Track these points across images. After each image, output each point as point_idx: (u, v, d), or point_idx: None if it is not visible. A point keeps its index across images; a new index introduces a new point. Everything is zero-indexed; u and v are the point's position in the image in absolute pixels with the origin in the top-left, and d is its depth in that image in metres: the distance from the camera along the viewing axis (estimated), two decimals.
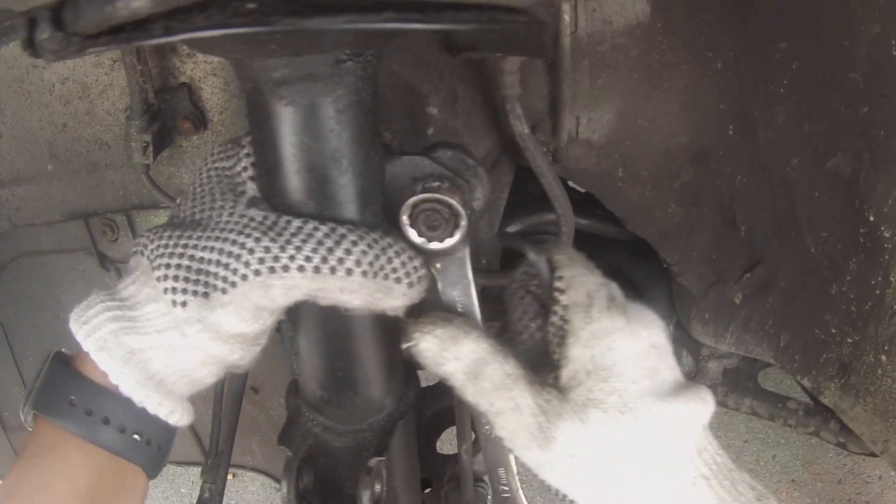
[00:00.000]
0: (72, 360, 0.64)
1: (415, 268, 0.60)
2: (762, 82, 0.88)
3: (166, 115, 0.86)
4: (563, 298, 0.61)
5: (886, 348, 0.89)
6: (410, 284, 0.60)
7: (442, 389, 0.94)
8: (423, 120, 0.79)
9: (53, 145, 0.97)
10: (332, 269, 0.56)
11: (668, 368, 0.60)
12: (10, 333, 1.16)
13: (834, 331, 0.96)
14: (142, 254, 0.62)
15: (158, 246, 0.60)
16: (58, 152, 0.97)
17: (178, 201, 0.67)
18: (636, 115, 0.88)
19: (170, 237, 0.60)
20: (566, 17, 0.78)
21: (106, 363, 0.59)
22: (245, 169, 0.64)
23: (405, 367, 0.77)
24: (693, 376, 1.17)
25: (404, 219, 0.60)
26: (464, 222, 0.59)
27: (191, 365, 0.62)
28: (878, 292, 0.87)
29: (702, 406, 0.59)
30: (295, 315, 0.67)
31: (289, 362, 0.76)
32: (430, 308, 0.63)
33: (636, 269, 1.11)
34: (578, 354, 0.58)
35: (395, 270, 0.59)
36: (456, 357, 0.58)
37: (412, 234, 0.61)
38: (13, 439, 1.25)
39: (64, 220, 0.99)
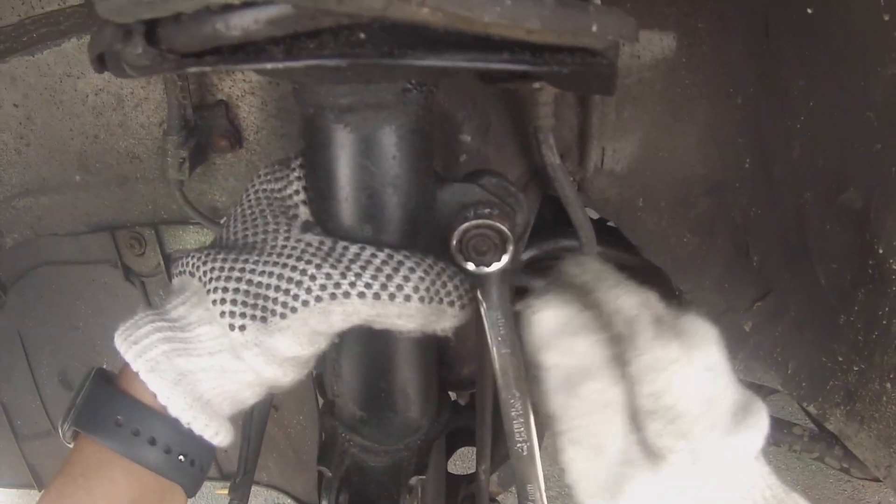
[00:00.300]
0: (115, 378, 0.64)
1: (466, 290, 0.62)
2: (780, 118, 0.91)
3: (202, 131, 0.87)
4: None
5: (892, 376, 0.92)
6: (462, 307, 0.62)
7: (456, 410, 0.95)
8: (456, 147, 0.81)
9: (83, 156, 0.98)
10: (392, 296, 0.58)
11: (725, 389, 0.57)
12: (26, 341, 1.16)
13: (841, 359, 0.98)
14: (191, 275, 0.63)
15: (213, 269, 0.61)
16: (87, 163, 0.98)
17: (223, 221, 0.68)
18: (657, 146, 0.90)
19: (224, 260, 0.61)
20: None
21: (156, 384, 0.59)
22: (297, 192, 0.65)
23: (439, 387, 0.79)
24: None
25: (455, 244, 0.62)
26: (511, 247, 0.61)
27: (239, 387, 0.63)
28: (884, 322, 0.89)
29: (758, 432, 0.57)
30: (339, 337, 0.68)
31: (325, 384, 0.77)
32: (470, 330, 0.64)
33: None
34: (637, 393, 0.54)
35: (448, 294, 0.61)
36: (567, 351, 0.56)
37: (462, 259, 0.62)
38: (25, 448, 1.24)
39: (90, 232, 1.00)
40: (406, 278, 0.58)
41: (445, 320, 0.62)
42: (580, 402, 0.55)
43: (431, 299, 0.59)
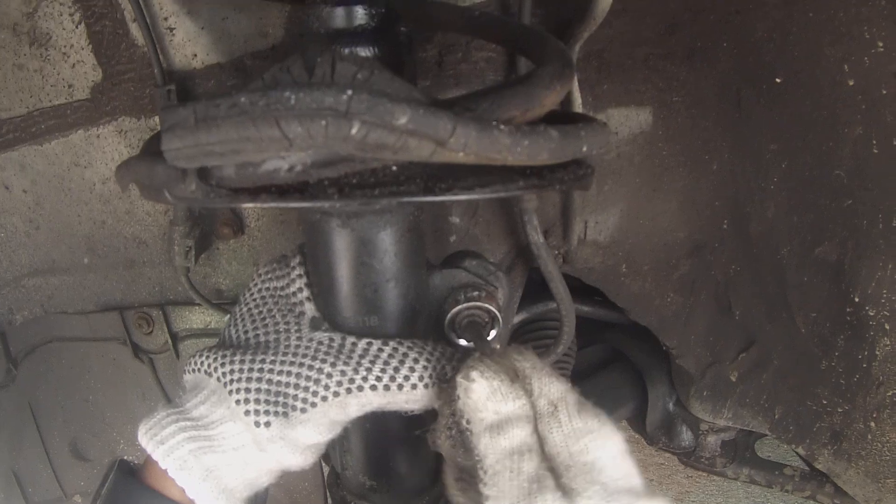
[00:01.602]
0: (139, 471, 0.67)
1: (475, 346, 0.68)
2: (754, 180, 0.96)
3: (206, 220, 0.91)
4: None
5: (875, 416, 0.96)
6: None
7: None
8: (446, 228, 0.86)
9: (91, 240, 1.02)
10: (400, 386, 0.63)
11: (636, 475, 0.61)
12: (37, 413, 1.19)
13: (825, 402, 1.02)
14: (208, 374, 0.66)
15: (233, 370, 0.65)
16: (95, 247, 1.02)
17: (227, 319, 0.72)
18: (638, 215, 0.95)
19: (242, 361, 0.65)
20: None
21: (186, 481, 0.63)
22: (301, 290, 0.70)
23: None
24: (693, 450, 1.23)
25: (448, 325, 0.68)
26: (500, 324, 0.67)
27: (259, 474, 0.67)
28: (864, 365, 0.94)
29: None
30: None
31: (332, 458, 0.81)
32: None
33: (637, 351, 1.17)
34: (556, 451, 0.59)
35: (447, 375, 0.65)
36: (496, 411, 0.59)
37: (455, 338, 0.69)
38: None
39: (98, 311, 1.04)
40: (412, 369, 0.64)
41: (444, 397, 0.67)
42: (505, 442, 0.58)
43: (435, 384, 0.65)
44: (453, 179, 0.50)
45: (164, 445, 0.63)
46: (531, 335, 1.10)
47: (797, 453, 1.12)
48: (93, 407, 1.15)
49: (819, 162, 0.89)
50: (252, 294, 0.72)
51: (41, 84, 0.94)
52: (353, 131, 0.40)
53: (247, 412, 0.63)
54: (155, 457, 0.63)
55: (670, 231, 0.98)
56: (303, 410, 0.63)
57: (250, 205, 0.49)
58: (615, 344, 1.21)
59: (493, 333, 0.68)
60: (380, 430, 0.75)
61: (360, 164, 0.48)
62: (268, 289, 0.71)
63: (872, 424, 0.98)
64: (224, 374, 0.65)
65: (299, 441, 0.65)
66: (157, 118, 0.90)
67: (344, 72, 0.50)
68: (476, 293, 0.69)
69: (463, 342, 0.69)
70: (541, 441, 0.59)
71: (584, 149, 0.49)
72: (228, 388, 0.65)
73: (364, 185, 0.49)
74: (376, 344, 0.65)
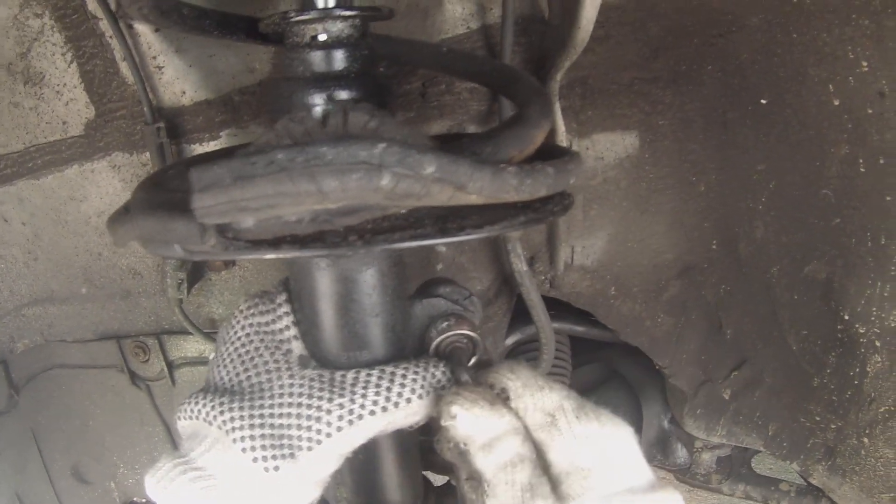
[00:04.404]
0: None
1: (452, 374, 0.68)
2: (742, 201, 0.97)
3: None
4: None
5: (868, 431, 0.97)
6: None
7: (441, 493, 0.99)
8: (433, 258, 0.87)
9: (88, 271, 1.04)
10: (396, 405, 0.65)
11: (641, 470, 0.63)
12: (39, 438, 1.22)
13: (818, 418, 1.03)
14: (208, 423, 0.66)
15: (233, 418, 0.64)
16: (92, 277, 1.04)
17: (213, 357, 0.72)
18: (626, 238, 0.95)
19: (241, 408, 0.65)
20: None
21: None
22: (288, 327, 0.70)
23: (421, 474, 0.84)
24: (688, 467, 1.23)
25: (433, 352, 0.70)
26: (480, 348, 0.70)
27: None
28: (856, 382, 0.95)
29: (676, 501, 0.62)
30: None
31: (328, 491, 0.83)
32: None
33: (632, 370, 1.18)
34: (557, 460, 0.60)
35: (439, 381, 0.67)
36: (482, 432, 0.60)
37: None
38: None
39: (97, 339, 1.06)
40: (403, 385, 0.65)
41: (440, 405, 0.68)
42: (497, 457, 0.59)
43: (429, 392, 0.66)
44: (461, 219, 0.52)
45: (173, 497, 0.63)
46: (524, 356, 1.11)
47: (793, 468, 1.12)
48: (93, 432, 1.18)
49: (806, 182, 0.89)
50: (236, 332, 0.71)
51: (36, 121, 0.96)
52: (384, 182, 0.42)
53: (254, 459, 0.63)
54: None
55: (659, 253, 0.98)
56: (309, 449, 0.63)
57: (272, 256, 0.51)
58: (610, 363, 1.22)
59: (473, 360, 0.70)
60: (371, 460, 0.77)
61: (379, 210, 0.50)
62: (251, 325, 0.71)
63: (865, 440, 0.99)
64: (224, 422, 0.65)
65: (310, 479, 0.66)
66: (148, 154, 0.92)
67: (356, 121, 0.53)
68: (455, 321, 0.72)
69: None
70: (542, 450, 0.61)
71: (572, 181, 0.53)
72: (231, 436, 0.64)
73: (380, 230, 0.51)
74: (364, 372, 0.66)
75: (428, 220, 0.52)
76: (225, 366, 0.70)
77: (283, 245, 0.50)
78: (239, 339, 0.70)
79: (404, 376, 0.66)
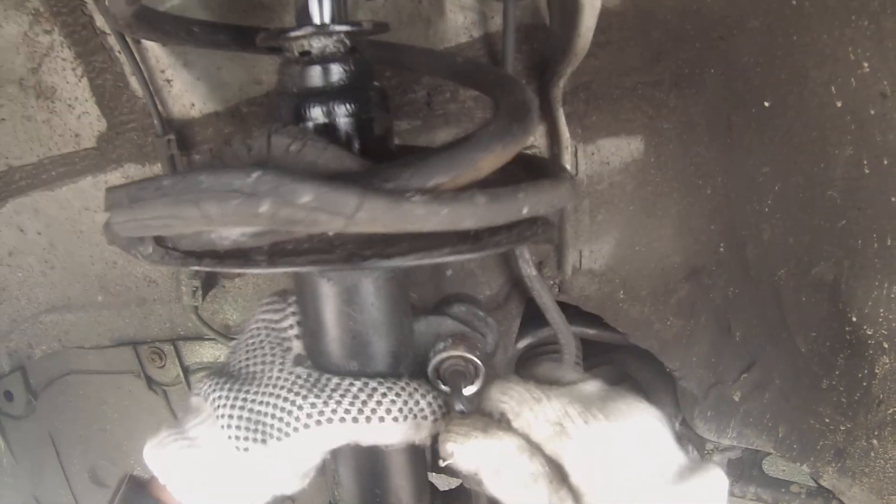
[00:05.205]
0: (147, 483, 0.73)
1: (439, 406, 0.70)
2: (749, 203, 0.96)
3: None
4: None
5: (877, 433, 0.96)
6: (435, 420, 0.69)
7: (456, 495, 1.00)
8: (443, 263, 0.88)
9: (104, 279, 1.06)
10: (368, 419, 0.67)
11: (667, 452, 0.62)
12: (57, 441, 1.24)
13: (828, 420, 1.03)
14: (205, 399, 0.72)
15: (220, 397, 0.70)
16: (108, 286, 1.06)
17: (231, 345, 0.78)
18: (633, 242, 0.96)
19: (230, 390, 0.70)
20: (567, 165, 0.87)
21: (182, 495, 0.69)
22: (291, 326, 0.74)
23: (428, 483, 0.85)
24: None
25: (432, 372, 0.70)
26: (482, 372, 0.69)
27: (249, 493, 0.71)
28: (865, 384, 0.94)
29: (715, 482, 0.60)
30: (335, 450, 0.76)
31: (329, 488, 0.84)
32: None
33: (642, 373, 1.18)
34: (573, 468, 0.59)
35: (421, 410, 0.68)
36: (486, 460, 0.61)
37: (441, 384, 0.70)
38: None
39: (113, 346, 1.08)
40: (379, 403, 0.67)
41: (422, 432, 0.69)
42: (509, 479, 0.60)
43: (406, 417, 0.68)
44: (383, 246, 0.52)
45: (163, 461, 0.69)
46: (538, 359, 1.12)
47: (803, 470, 1.12)
48: (110, 436, 1.20)
49: (811, 183, 0.89)
50: (251, 325, 0.77)
51: (49, 134, 0.98)
52: (263, 209, 0.43)
53: (230, 437, 0.68)
54: (155, 472, 0.69)
55: (667, 256, 0.98)
56: (278, 439, 0.67)
57: (195, 268, 0.54)
58: (621, 365, 1.22)
59: (476, 383, 0.69)
60: (365, 465, 0.78)
61: (287, 234, 0.51)
62: (262, 320, 0.76)
63: (875, 442, 0.98)
64: (214, 399, 0.71)
65: (276, 467, 0.69)
66: (160, 165, 0.93)
67: (278, 144, 0.54)
68: (454, 342, 0.71)
69: (447, 389, 0.70)
70: (558, 462, 0.60)
71: (525, 210, 0.50)
72: (217, 412, 0.70)
73: (292, 252, 0.52)
74: (349, 379, 0.68)
75: (350, 246, 0.52)
76: (235, 353, 0.76)
77: (206, 259, 0.53)
78: (251, 331, 0.76)
79: (384, 395, 0.68)
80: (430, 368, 0.70)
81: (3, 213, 1.07)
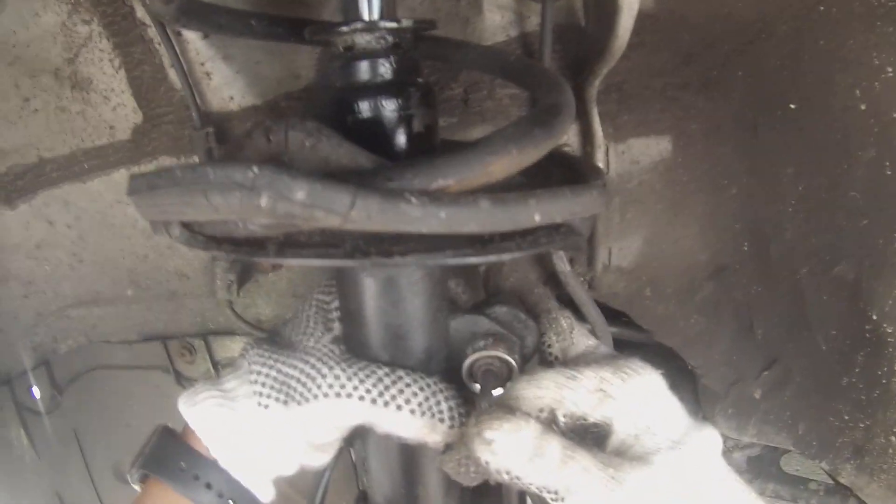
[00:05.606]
0: (178, 433, 0.76)
1: (460, 413, 0.70)
2: (772, 203, 0.98)
3: None
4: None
5: (895, 430, 0.98)
6: (452, 426, 0.70)
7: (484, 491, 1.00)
8: None
9: (134, 273, 1.06)
10: (386, 404, 0.68)
11: (666, 412, 0.65)
12: (81, 438, 1.24)
13: (847, 417, 1.04)
14: (244, 357, 0.76)
15: (256, 354, 0.75)
16: (138, 279, 1.06)
17: (286, 319, 0.82)
18: (660, 240, 0.97)
19: (268, 350, 0.75)
20: (600, 164, 0.89)
21: (210, 441, 0.71)
22: (336, 309, 0.77)
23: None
24: None
25: (466, 371, 0.71)
26: (516, 374, 0.70)
27: (272, 453, 0.74)
28: (884, 381, 0.96)
29: (714, 437, 0.65)
30: (366, 438, 0.78)
31: (360, 474, 0.85)
32: None
33: (664, 370, 1.20)
34: (623, 420, 0.61)
35: (441, 412, 0.69)
36: (519, 447, 0.59)
37: (473, 386, 0.71)
38: None
39: (141, 341, 1.08)
40: (400, 391, 0.68)
41: (437, 434, 0.69)
42: (549, 460, 0.58)
43: (423, 413, 0.68)
44: (389, 244, 0.53)
45: (194, 408, 0.73)
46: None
47: (822, 468, 1.13)
48: (136, 432, 1.20)
49: (834, 184, 0.91)
50: (308, 301, 0.80)
51: (83, 125, 0.99)
52: (263, 203, 0.44)
53: (255, 392, 0.72)
54: (186, 418, 0.73)
55: (692, 254, 1.00)
56: (299, 403, 0.70)
57: (215, 252, 0.56)
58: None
59: (500, 390, 0.69)
60: (394, 456, 0.79)
61: (294, 227, 0.53)
62: (317, 300, 0.79)
63: (893, 439, 1.00)
64: (251, 357, 0.75)
65: (295, 430, 0.72)
66: (195, 157, 0.94)
67: (295, 139, 0.56)
68: (493, 341, 0.72)
69: (478, 388, 0.72)
70: (606, 422, 0.62)
71: (538, 218, 0.49)
72: (250, 369, 0.74)
73: (303, 244, 0.54)
74: (375, 364, 0.70)
75: (357, 241, 0.54)
76: (285, 324, 0.80)
77: (224, 244, 0.56)
78: (304, 308, 0.80)
79: (408, 385, 0.69)
80: (465, 365, 0.70)
81: (33, 206, 1.07)
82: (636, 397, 0.63)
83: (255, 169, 0.44)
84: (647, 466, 0.59)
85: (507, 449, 0.58)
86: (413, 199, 0.45)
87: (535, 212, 0.49)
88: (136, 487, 0.76)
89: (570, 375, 0.64)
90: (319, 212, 0.44)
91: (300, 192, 0.44)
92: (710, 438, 0.64)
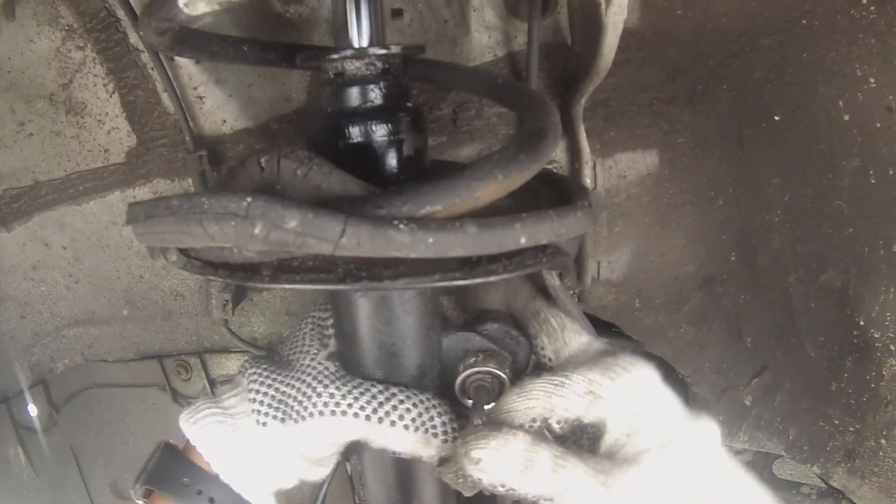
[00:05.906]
0: (180, 449, 0.77)
1: (453, 427, 0.71)
2: (759, 213, 1.00)
3: None
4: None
5: (885, 433, 0.99)
6: (446, 440, 0.71)
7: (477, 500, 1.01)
8: None
9: (130, 293, 1.07)
10: (380, 420, 0.69)
11: (660, 405, 0.64)
12: (78, 455, 1.25)
13: (837, 422, 1.06)
14: (243, 375, 0.78)
15: (254, 373, 0.76)
16: (134, 299, 1.07)
17: (283, 336, 0.83)
18: (648, 252, 0.99)
19: (265, 370, 0.76)
20: (587, 180, 0.90)
21: (212, 457, 0.73)
22: (332, 325, 0.78)
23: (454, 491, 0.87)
24: None
25: (458, 387, 0.73)
26: (507, 388, 0.71)
27: (272, 468, 0.75)
28: (873, 386, 0.97)
29: (709, 430, 0.64)
30: (362, 452, 0.79)
31: (356, 491, 0.86)
32: None
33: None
34: (615, 419, 0.61)
35: (434, 427, 0.70)
36: (510, 459, 0.59)
37: (465, 398, 0.73)
38: None
39: (138, 359, 1.09)
40: (394, 407, 0.70)
41: (431, 449, 0.70)
42: (540, 469, 0.59)
43: (417, 428, 0.70)
44: (378, 268, 0.54)
45: (196, 426, 0.74)
46: None
47: (813, 472, 1.15)
48: (133, 449, 1.21)
49: (820, 193, 0.93)
50: (305, 319, 0.82)
51: (78, 149, 1.00)
52: (257, 231, 0.46)
53: (253, 410, 0.73)
54: (188, 435, 0.74)
55: (680, 265, 1.01)
56: (295, 421, 0.71)
57: (211, 277, 0.57)
58: None
59: (492, 405, 0.69)
60: (387, 471, 0.80)
61: (286, 254, 0.54)
62: (313, 317, 0.81)
63: (883, 442, 1.01)
64: (249, 376, 0.76)
65: (292, 447, 0.73)
66: (189, 180, 0.95)
67: (287, 168, 0.58)
68: (484, 357, 0.73)
69: (471, 403, 0.73)
70: (599, 423, 0.62)
71: (523, 240, 0.50)
72: (248, 387, 0.75)
73: (296, 269, 0.55)
74: (370, 382, 0.72)
75: (349, 266, 0.54)
76: (283, 343, 0.82)
77: (221, 270, 0.57)
78: (301, 325, 0.82)
79: (402, 402, 0.70)
80: (457, 381, 0.72)
81: (28, 228, 1.08)
82: (627, 396, 0.63)
83: (249, 199, 0.46)
84: (637, 466, 0.60)
85: (496, 465, 0.60)
86: (402, 226, 0.47)
87: (521, 235, 0.50)
88: (140, 503, 0.77)
89: (559, 382, 0.64)
90: (311, 239, 0.46)
91: (292, 220, 0.46)
92: (705, 429, 0.64)
